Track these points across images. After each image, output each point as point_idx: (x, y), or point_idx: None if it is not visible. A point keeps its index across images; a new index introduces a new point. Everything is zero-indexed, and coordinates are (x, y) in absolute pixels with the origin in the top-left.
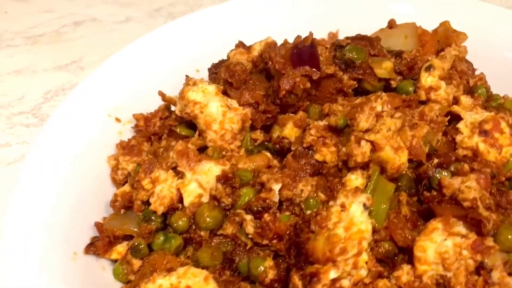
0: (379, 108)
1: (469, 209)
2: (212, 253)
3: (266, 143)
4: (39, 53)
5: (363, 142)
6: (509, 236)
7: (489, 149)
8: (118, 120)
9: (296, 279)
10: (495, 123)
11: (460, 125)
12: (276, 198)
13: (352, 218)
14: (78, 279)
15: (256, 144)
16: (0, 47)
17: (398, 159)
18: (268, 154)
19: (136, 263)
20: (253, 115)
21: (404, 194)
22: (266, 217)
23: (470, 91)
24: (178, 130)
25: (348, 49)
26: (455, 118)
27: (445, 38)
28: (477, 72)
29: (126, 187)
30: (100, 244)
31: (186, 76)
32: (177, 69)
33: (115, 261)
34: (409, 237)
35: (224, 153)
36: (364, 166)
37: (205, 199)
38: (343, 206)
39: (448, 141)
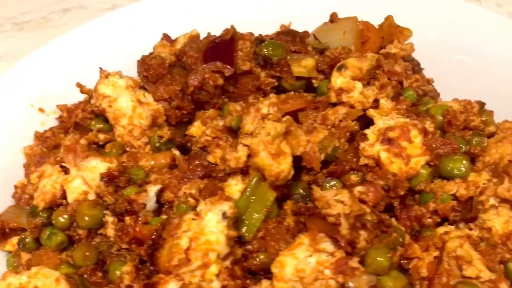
0: (264, 110)
1: (334, 226)
2: (85, 253)
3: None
4: (24, 39)
5: (240, 146)
6: (378, 258)
7: (392, 159)
8: (42, 110)
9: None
10: (403, 131)
11: (368, 131)
12: (148, 201)
13: (204, 227)
14: None
15: (161, 141)
16: None
17: (276, 166)
18: (177, 153)
19: (25, 256)
20: (167, 111)
21: (290, 203)
22: (127, 220)
23: (396, 92)
24: (93, 123)
25: (265, 44)
26: (373, 123)
27: (389, 34)
28: (428, 73)
29: (25, 180)
30: None
31: (100, 68)
32: (108, 62)
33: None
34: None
35: (128, 149)
36: (245, 172)
37: (92, 196)
38: (197, 214)
39: (355, 149)
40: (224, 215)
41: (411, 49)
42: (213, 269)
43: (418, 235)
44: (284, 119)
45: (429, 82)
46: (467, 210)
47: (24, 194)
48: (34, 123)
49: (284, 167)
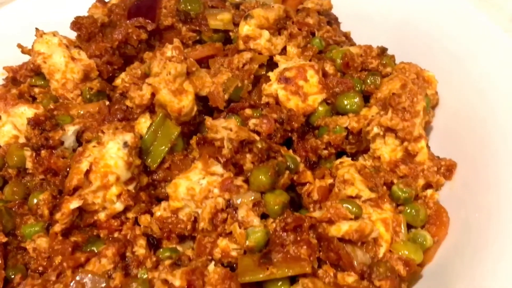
0: (168, 54)
1: (219, 149)
2: (13, 189)
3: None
4: None
5: (144, 85)
6: (260, 177)
7: (289, 96)
8: None
9: (44, 209)
10: (299, 71)
11: (271, 73)
12: (66, 139)
13: (105, 154)
14: None
15: (92, 92)
16: None
17: (177, 103)
18: (107, 103)
19: None
20: (99, 66)
21: (195, 138)
22: (43, 153)
23: (304, 38)
24: (32, 80)
25: (184, 0)
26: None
27: None
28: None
29: None
30: None
31: (36, 28)
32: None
33: None
34: None
35: (61, 101)
36: (152, 110)
37: (22, 140)
38: (99, 143)
39: (259, 89)
40: (125, 144)
41: (328, 5)
42: (114, 190)
43: (315, 166)
44: (186, 61)
45: (346, 35)
46: (360, 142)
47: None
48: None
49: (185, 103)
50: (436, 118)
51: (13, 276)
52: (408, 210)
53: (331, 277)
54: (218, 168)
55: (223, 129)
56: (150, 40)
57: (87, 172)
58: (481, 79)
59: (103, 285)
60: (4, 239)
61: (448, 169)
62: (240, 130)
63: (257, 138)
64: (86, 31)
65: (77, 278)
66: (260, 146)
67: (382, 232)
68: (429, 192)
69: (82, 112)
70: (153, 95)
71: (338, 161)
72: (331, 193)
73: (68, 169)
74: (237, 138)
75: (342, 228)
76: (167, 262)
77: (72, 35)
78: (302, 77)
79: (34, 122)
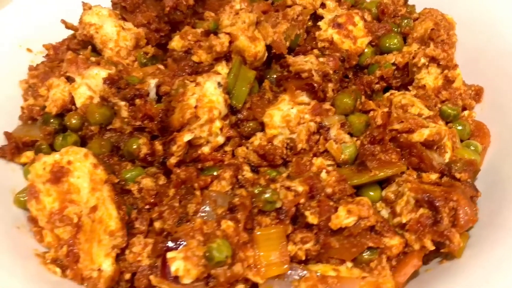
0: (237, 7)
1: (307, 79)
2: (101, 143)
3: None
4: None
5: (221, 34)
6: (345, 100)
7: (343, 39)
8: (29, 50)
9: (157, 145)
10: (348, 17)
11: (320, 22)
12: (150, 89)
13: (206, 91)
14: None
15: (147, 57)
16: None
17: (253, 48)
18: (161, 66)
19: None
20: (147, 34)
21: (267, 82)
22: (138, 102)
23: None
24: (81, 53)
25: None
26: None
27: None
28: None
29: (31, 100)
30: (7, 148)
31: (82, 2)
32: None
33: (24, 165)
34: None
35: (120, 67)
36: (228, 58)
37: (96, 100)
38: (198, 83)
39: (311, 38)
40: (219, 84)
41: None
42: (218, 123)
43: (370, 99)
44: (254, 11)
45: None
46: (405, 75)
47: (31, 113)
48: (24, 62)
49: (259, 48)
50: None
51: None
52: (457, 126)
53: (415, 178)
54: (304, 98)
55: (306, 62)
56: (194, 6)
57: (195, 107)
58: (495, 18)
59: (236, 199)
60: (116, 180)
61: (477, 93)
62: (320, 63)
63: (331, 71)
64: (131, 2)
65: (211, 195)
66: (336, 77)
67: (445, 141)
68: (466, 112)
69: (141, 74)
70: (229, 43)
71: (388, 93)
72: (391, 118)
73: (160, 115)
74: (319, 69)
75: (424, 133)
76: (284, 174)
77: None
78: (351, 22)
79: (110, 81)
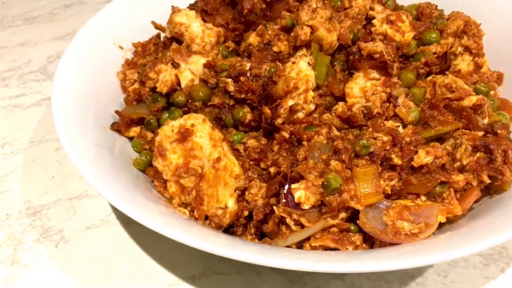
0: (314, 5)
1: (379, 58)
2: (205, 115)
3: (237, 51)
4: (38, 30)
5: (304, 27)
6: (408, 75)
7: (395, 33)
8: (121, 47)
9: (266, 109)
10: (398, 16)
11: (374, 21)
12: (247, 68)
13: (301, 68)
14: (108, 144)
15: (229, 50)
16: (3, 28)
17: (330, 37)
18: (239, 58)
19: (149, 135)
20: (225, 33)
21: (338, 66)
22: (242, 78)
23: (381, 3)
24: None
25: None
26: (371, 20)
27: None
28: None
29: (136, 85)
30: (122, 123)
31: (172, 6)
32: (160, 10)
33: (131, 139)
34: (342, 89)
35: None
36: (308, 46)
37: (196, 82)
38: (294, 62)
39: (367, 33)
40: (308, 63)
41: None
42: (311, 93)
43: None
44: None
45: None
46: (443, 63)
47: (137, 95)
48: (118, 57)
49: (334, 38)
50: None
51: None
52: (488, 100)
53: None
54: (375, 74)
55: (375, 46)
56: (265, 9)
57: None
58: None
59: (340, 144)
60: (230, 138)
61: (498, 77)
62: (386, 46)
63: (393, 55)
64: (211, 6)
65: (317, 144)
66: (397, 58)
67: (485, 108)
68: (492, 92)
69: (228, 63)
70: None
71: (430, 77)
72: (436, 96)
73: (259, 89)
74: (386, 51)
75: (472, 99)
76: (368, 130)
77: None
78: (400, 19)
79: (209, 66)
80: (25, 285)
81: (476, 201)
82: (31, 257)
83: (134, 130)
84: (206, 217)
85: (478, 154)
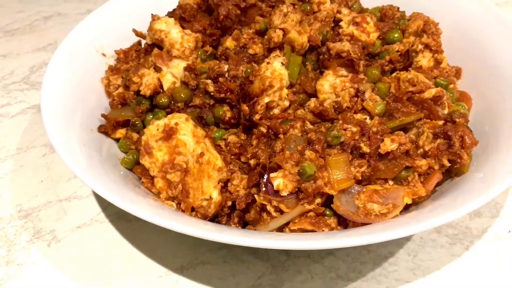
0: (285, 10)
1: (346, 57)
2: (188, 115)
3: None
4: (19, 42)
5: (277, 30)
6: (373, 71)
7: (360, 34)
8: (104, 55)
9: (244, 107)
10: (363, 18)
11: (341, 23)
12: (225, 70)
13: (275, 68)
14: (96, 145)
15: (207, 54)
16: None
17: (301, 39)
18: (217, 61)
19: (134, 136)
20: (202, 38)
21: (309, 65)
22: (221, 79)
23: (348, 6)
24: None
25: None
26: (338, 22)
27: None
28: None
29: (120, 89)
30: (108, 125)
31: (152, 14)
32: (140, 18)
33: (118, 140)
34: (314, 86)
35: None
36: (281, 47)
37: (178, 84)
38: (268, 62)
39: (335, 34)
40: (282, 63)
41: None
42: (285, 90)
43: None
44: (298, 12)
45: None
46: (406, 60)
47: (121, 99)
48: (101, 64)
49: (304, 39)
50: None
51: None
52: (447, 93)
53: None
54: (344, 72)
55: (342, 46)
56: (240, 15)
57: (270, 77)
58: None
59: (313, 136)
60: (212, 135)
61: (457, 72)
62: (352, 46)
63: (357, 51)
64: (189, 13)
65: (292, 136)
66: (363, 56)
67: (444, 100)
68: (451, 85)
69: (206, 66)
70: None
71: (394, 73)
72: (400, 90)
73: (237, 89)
74: (353, 50)
75: (432, 91)
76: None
77: None
78: (365, 21)
79: (189, 70)
80: (20, 283)
81: (438, 184)
82: (25, 256)
83: (120, 132)
84: (193, 209)
85: (438, 141)
